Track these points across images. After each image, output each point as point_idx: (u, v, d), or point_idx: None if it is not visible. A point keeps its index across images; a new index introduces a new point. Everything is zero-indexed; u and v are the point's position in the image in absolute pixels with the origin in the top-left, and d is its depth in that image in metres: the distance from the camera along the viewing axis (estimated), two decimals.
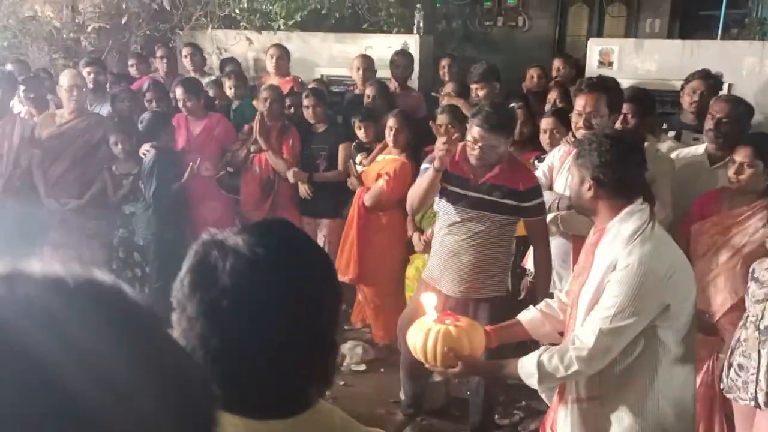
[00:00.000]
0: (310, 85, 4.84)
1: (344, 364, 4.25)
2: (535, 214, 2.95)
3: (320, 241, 4.55)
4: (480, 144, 2.84)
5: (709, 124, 3.36)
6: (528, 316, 2.35)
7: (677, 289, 1.94)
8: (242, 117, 4.83)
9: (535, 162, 3.68)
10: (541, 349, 2.00)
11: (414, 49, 5.36)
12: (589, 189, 2.00)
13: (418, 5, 5.53)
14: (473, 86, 4.61)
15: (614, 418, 2.01)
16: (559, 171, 3.26)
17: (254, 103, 4.88)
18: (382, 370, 4.22)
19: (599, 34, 8.44)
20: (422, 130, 4.13)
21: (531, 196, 2.92)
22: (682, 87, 3.91)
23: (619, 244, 1.94)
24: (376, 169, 4.08)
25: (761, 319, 2.52)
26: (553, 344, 2.34)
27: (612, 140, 2.05)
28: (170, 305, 0.90)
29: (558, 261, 3.14)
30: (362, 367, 4.23)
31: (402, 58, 5.08)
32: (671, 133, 3.77)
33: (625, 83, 3.62)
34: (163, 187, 4.18)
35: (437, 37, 6.02)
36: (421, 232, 3.95)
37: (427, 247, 3.90)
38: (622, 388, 1.97)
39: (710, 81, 3.81)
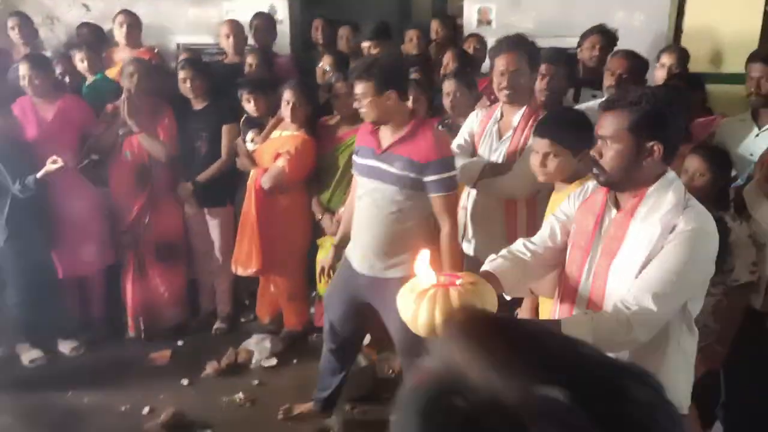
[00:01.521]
0: (183, 56, 4.26)
1: (253, 361, 3.91)
2: (434, 190, 2.64)
3: (213, 234, 4.11)
4: (357, 99, 2.71)
5: (609, 80, 3.41)
6: (499, 267, 1.96)
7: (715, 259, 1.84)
8: (98, 95, 4.18)
9: (439, 126, 3.52)
10: (580, 312, 1.81)
11: (283, 12, 4.96)
12: (651, 155, 1.75)
13: None
14: (365, 44, 4.32)
15: None
16: (482, 137, 3.13)
17: (111, 77, 4.24)
18: (294, 361, 3.94)
19: None
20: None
21: (431, 170, 2.62)
22: (579, 44, 3.91)
23: (666, 212, 1.75)
24: (273, 148, 3.69)
25: None
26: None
27: (670, 98, 1.82)
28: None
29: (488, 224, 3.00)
30: (273, 361, 3.91)
31: (262, 21, 4.64)
32: (570, 91, 3.78)
33: None
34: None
35: None
36: (332, 212, 3.68)
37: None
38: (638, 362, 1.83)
39: (607, 35, 3.84)
